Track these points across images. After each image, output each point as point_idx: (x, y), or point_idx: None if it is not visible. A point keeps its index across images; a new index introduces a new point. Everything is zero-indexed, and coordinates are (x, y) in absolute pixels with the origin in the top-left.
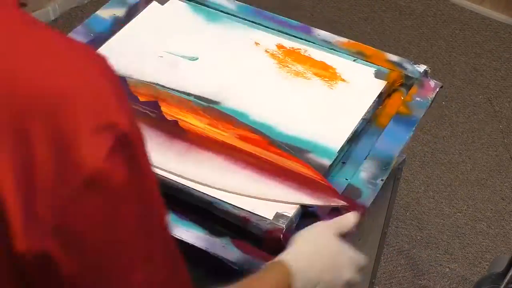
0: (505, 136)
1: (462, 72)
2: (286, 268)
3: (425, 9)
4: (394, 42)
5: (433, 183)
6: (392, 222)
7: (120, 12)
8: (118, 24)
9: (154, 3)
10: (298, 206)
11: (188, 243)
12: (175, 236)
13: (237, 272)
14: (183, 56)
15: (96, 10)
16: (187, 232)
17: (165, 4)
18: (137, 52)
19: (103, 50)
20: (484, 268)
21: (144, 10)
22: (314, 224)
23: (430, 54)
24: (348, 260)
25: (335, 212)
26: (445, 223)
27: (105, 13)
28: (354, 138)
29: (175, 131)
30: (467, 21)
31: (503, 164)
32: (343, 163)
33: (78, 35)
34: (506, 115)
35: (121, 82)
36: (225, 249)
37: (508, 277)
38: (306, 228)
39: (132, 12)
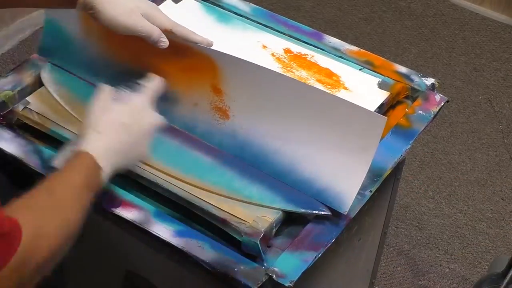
0: (505, 136)
1: (462, 72)
2: (88, 157)
3: (425, 9)
4: (394, 43)
5: (433, 183)
6: (392, 222)
7: None
8: None
9: (168, 1)
10: (280, 211)
11: (165, 240)
12: (153, 232)
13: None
14: None
15: None
16: (165, 229)
17: (179, 3)
18: None
19: None
20: (484, 268)
21: None
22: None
23: (430, 54)
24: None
25: (318, 220)
26: (445, 223)
27: None
28: None
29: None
30: (467, 21)
31: (503, 164)
32: None
33: None
34: (506, 115)
35: None
36: (201, 249)
37: (508, 277)
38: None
39: None
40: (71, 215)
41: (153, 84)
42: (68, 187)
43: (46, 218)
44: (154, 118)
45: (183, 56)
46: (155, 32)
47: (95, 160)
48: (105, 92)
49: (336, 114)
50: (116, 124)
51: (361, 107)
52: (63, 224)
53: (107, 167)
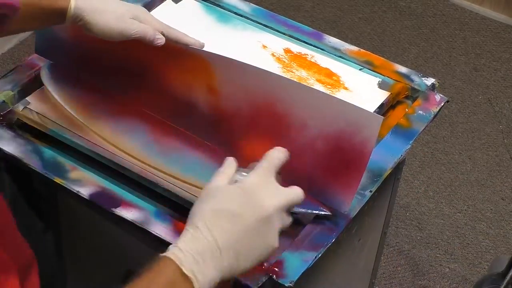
0: (505, 136)
1: (462, 72)
2: (171, 266)
3: (425, 9)
4: (394, 43)
5: (433, 183)
6: (392, 222)
7: None
8: None
9: (168, 1)
10: None
11: (165, 240)
12: (153, 232)
13: None
14: None
15: None
16: (165, 229)
17: (179, 3)
18: None
19: None
20: (484, 268)
21: (156, 8)
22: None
23: (430, 54)
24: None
25: (318, 220)
26: (445, 223)
27: None
28: None
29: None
30: (467, 21)
31: (503, 164)
32: None
33: None
34: (506, 115)
35: None
36: None
37: (508, 277)
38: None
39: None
40: None
41: (273, 156)
42: None
43: None
44: (278, 197)
45: (176, 59)
46: (150, 31)
47: (180, 268)
48: (222, 175)
49: (332, 113)
50: (221, 215)
51: (357, 106)
52: None
53: (203, 276)
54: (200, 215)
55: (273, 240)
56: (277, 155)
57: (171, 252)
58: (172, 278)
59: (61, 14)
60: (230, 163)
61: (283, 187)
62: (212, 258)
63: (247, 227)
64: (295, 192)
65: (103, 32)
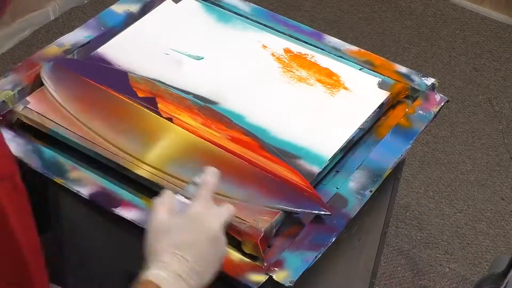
0: (505, 136)
1: (462, 72)
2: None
3: (425, 9)
4: (394, 42)
5: (433, 183)
6: (392, 222)
7: (134, 8)
8: (131, 19)
9: (168, 1)
10: (281, 212)
11: None
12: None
13: None
14: (188, 55)
15: (96, 9)
16: None
17: (179, 3)
18: (143, 48)
19: (111, 44)
20: (484, 268)
21: (156, 8)
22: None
23: (430, 54)
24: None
25: (318, 220)
26: (445, 223)
27: (119, 8)
28: (350, 147)
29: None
30: (467, 21)
31: (503, 164)
32: (337, 171)
33: (89, 28)
34: (506, 115)
35: None
36: None
37: (508, 277)
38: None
39: (146, 9)
40: None
41: (209, 181)
42: None
43: None
44: (220, 218)
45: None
46: None
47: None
48: (162, 206)
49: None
50: (181, 248)
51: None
52: None
53: None
54: (160, 253)
55: (224, 251)
56: (212, 180)
57: (150, 273)
58: None
59: None
60: (168, 194)
61: (219, 207)
62: (185, 280)
63: (204, 250)
64: (230, 209)
65: None
